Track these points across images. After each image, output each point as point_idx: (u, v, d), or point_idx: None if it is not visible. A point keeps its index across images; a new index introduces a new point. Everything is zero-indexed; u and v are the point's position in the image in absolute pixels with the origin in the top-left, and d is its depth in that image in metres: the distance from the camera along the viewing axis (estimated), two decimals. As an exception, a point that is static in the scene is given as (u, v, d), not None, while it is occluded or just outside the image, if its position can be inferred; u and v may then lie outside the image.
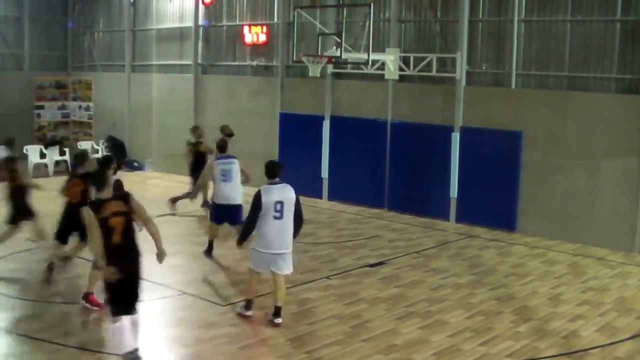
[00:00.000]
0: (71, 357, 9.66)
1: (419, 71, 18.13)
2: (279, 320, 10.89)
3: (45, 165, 24.94)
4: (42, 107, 27.79)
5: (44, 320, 10.96)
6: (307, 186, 17.92)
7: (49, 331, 10.46)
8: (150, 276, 12.95)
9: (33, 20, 27.77)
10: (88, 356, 9.68)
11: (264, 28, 22.27)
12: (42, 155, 25.45)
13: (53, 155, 25.68)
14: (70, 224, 12.52)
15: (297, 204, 10.95)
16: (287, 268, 11.04)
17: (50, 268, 12.86)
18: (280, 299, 11.03)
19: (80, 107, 28.31)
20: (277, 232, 10.78)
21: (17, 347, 10.07)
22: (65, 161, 25.76)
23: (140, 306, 11.53)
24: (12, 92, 26.56)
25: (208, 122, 23.60)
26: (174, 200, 18.36)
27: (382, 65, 17.93)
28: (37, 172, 24.40)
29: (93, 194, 10.15)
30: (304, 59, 17.76)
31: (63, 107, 28.31)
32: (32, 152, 25.24)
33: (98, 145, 26.83)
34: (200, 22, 24.09)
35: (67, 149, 26.18)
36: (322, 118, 20.61)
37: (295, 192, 10.91)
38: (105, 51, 27.80)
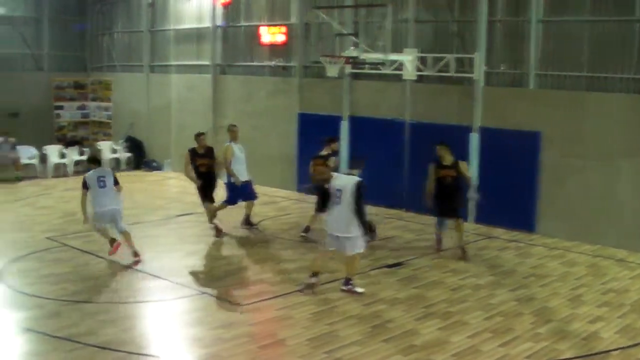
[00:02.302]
0: (92, 356, 9.71)
1: (436, 71, 18.11)
2: (347, 287, 12.32)
3: (65, 165, 25.06)
4: (61, 108, 27.94)
5: (65, 319, 11.04)
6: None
7: (70, 330, 10.54)
8: (169, 276, 13.09)
9: (52, 21, 27.95)
10: (108, 355, 9.73)
11: (282, 28, 22.30)
12: (62, 155, 25.58)
13: (73, 155, 25.81)
14: None
15: (353, 195, 11.80)
16: (349, 249, 12.11)
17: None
18: (346, 272, 12.47)
19: (99, 107, 28.44)
20: (335, 216, 12.04)
21: (38, 346, 10.16)
22: (84, 161, 25.95)
23: (160, 306, 11.68)
24: (32, 93, 26.73)
25: (226, 122, 23.68)
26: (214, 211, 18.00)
27: (400, 66, 17.92)
28: (56, 171, 24.58)
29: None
30: (321, 59, 17.77)
31: (82, 108, 28.45)
32: (52, 152, 25.38)
33: (117, 145, 26.96)
34: (218, 22, 24.14)
35: (86, 149, 26.35)
36: (340, 118, 20.62)
37: (359, 185, 11.81)
38: (124, 52, 27.91)
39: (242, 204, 16.86)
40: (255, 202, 17.05)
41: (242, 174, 16.76)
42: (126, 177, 22.71)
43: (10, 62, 26.79)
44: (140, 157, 26.31)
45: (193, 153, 16.45)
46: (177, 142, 24.95)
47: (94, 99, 28.60)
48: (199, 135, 16.65)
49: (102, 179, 14.34)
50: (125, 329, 10.74)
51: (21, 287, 12.67)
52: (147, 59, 26.87)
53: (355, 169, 12.64)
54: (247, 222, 17.16)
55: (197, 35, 25.00)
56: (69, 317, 11.16)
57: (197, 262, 14.32)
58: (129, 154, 26.67)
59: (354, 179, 11.97)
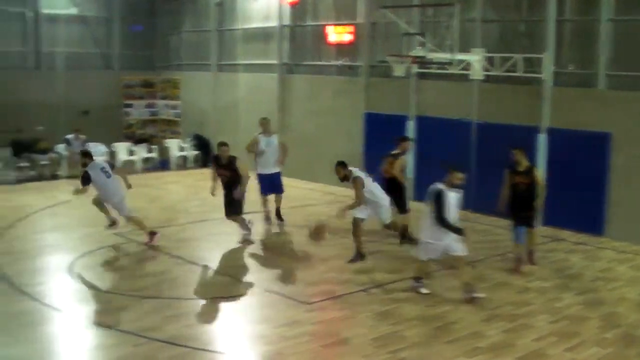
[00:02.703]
0: (156, 351, 9.85)
1: (504, 71, 17.92)
2: (471, 295, 12.00)
3: (133, 162, 25.43)
4: (130, 106, 28.34)
5: (131, 314, 11.22)
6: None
7: (135, 324, 10.72)
8: (235, 273, 13.20)
9: (122, 21, 28.40)
10: (173, 350, 9.86)
11: (349, 27, 22.31)
12: (130, 153, 25.99)
13: (141, 152, 26.20)
14: None
15: (432, 203, 11.89)
16: (458, 251, 12.12)
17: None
18: (461, 280, 12.31)
19: (167, 105, 28.79)
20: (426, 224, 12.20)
21: (105, 340, 10.35)
22: (152, 158, 26.34)
23: (225, 303, 11.80)
24: (102, 91, 27.16)
25: (292, 121, 23.83)
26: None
27: (467, 66, 17.78)
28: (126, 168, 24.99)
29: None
30: (388, 58, 17.74)
31: (151, 106, 28.82)
32: (121, 149, 25.80)
33: (185, 143, 27.28)
34: (284, 22, 24.23)
35: (154, 147, 26.73)
36: (406, 118, 20.55)
37: (435, 194, 11.83)
38: (192, 51, 28.21)
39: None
40: (311, 202, 17.02)
41: (267, 166, 17.32)
42: (193, 175, 23.04)
43: (81, 61, 27.30)
44: (207, 155, 26.56)
45: (216, 161, 15.85)
46: (244, 140, 25.10)
47: (162, 98, 28.95)
48: (220, 146, 15.87)
49: (105, 170, 15.06)
50: (190, 324, 10.87)
51: (90, 281, 12.93)
52: (214, 58, 27.12)
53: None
54: (278, 215, 17.53)
55: (264, 35, 25.15)
56: (135, 311, 11.34)
57: (262, 260, 14.41)
58: (196, 152, 26.95)
59: (433, 187, 11.86)
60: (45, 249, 15.19)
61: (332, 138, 22.25)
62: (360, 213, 14.02)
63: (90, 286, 12.65)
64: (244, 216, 15.74)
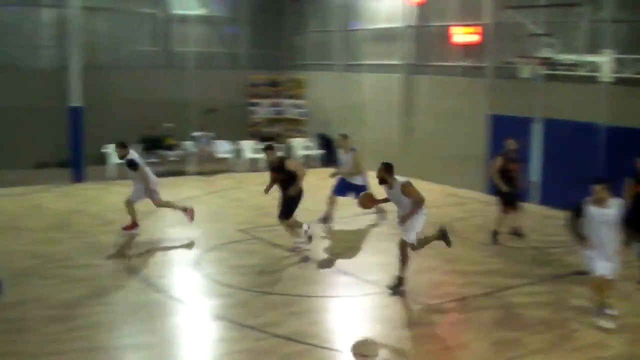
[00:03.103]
0: (277, 347, 10.03)
1: (635, 73, 17.39)
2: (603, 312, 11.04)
3: (258, 160, 25.85)
4: (256, 104, 28.80)
5: (253, 309, 11.44)
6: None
7: (257, 320, 10.93)
8: (356, 272, 13.28)
9: (248, 21, 28.90)
10: (294, 346, 10.01)
11: (474, 28, 22.10)
12: (256, 151, 26.43)
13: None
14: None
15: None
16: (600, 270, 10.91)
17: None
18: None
19: (292, 105, 29.11)
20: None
21: (228, 333, 10.61)
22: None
23: (346, 301, 11.89)
24: (228, 90, 27.67)
25: (416, 122, 23.76)
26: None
27: (596, 67, 17.35)
28: (250, 166, 25.44)
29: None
30: (514, 60, 17.49)
31: (276, 105, 29.20)
32: (246, 147, 26.28)
33: (309, 142, 27.56)
34: (411, 22, 24.17)
35: (280, 146, 27.11)
36: (532, 120, 20.19)
37: (576, 207, 11.07)
38: (318, 51, 28.47)
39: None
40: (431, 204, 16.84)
41: (349, 178, 17.31)
42: (316, 174, 23.17)
43: (209, 60, 27.95)
44: (331, 155, 26.73)
45: (269, 165, 15.38)
46: (369, 140, 25.21)
47: (288, 97, 29.29)
48: (265, 150, 15.42)
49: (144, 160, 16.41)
50: (311, 322, 11.01)
51: (214, 275, 13.26)
52: (340, 58, 27.31)
53: None
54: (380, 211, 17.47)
55: (388, 35, 25.16)
56: (257, 307, 11.55)
57: (383, 260, 14.43)
58: (320, 151, 27.18)
59: (580, 200, 11.08)
60: (172, 242, 15.66)
61: (455, 139, 22.09)
62: (411, 235, 12.44)
63: (214, 280, 12.97)
64: (305, 225, 15.22)
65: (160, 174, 23.21)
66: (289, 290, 12.43)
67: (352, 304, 12.11)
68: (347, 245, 15.73)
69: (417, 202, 12.26)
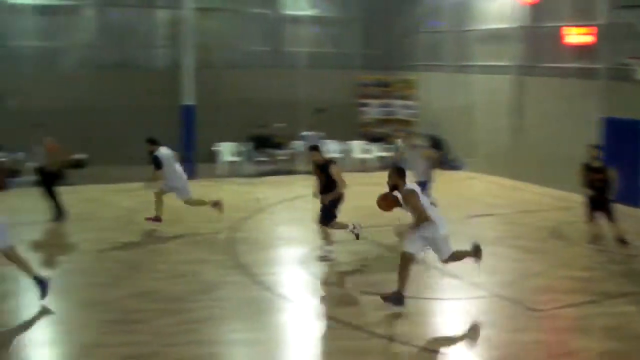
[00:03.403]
0: (382, 347, 10.07)
1: None
2: None
3: (366, 160, 25.91)
4: (366, 105, 28.83)
5: (357, 309, 11.49)
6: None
7: (363, 319, 10.98)
8: (464, 275, 13.18)
9: (358, 21, 29.01)
10: (399, 348, 10.01)
11: (588, 29, 21.59)
12: (365, 151, 26.51)
13: (376, 151, 26.66)
14: None
15: None
16: None
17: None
18: None
19: (402, 105, 29.01)
20: None
21: (333, 332, 10.71)
22: (387, 157, 26.72)
23: (453, 304, 11.82)
24: (338, 89, 27.79)
25: (527, 124, 23.39)
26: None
27: None
28: (359, 166, 25.51)
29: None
30: (629, 61, 17.02)
31: (386, 105, 29.15)
32: (355, 148, 26.37)
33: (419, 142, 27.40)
34: (522, 23, 23.80)
35: (390, 146, 27.08)
36: (647, 124, 19.62)
37: None
38: (428, 51, 28.34)
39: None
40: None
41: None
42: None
43: (320, 60, 28.16)
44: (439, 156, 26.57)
45: (313, 165, 14.77)
46: (480, 142, 24.97)
47: (398, 97, 29.21)
48: (309, 150, 14.98)
49: (173, 157, 16.72)
50: (418, 323, 10.99)
51: (320, 274, 13.37)
52: (451, 58, 27.13)
53: None
54: None
55: (500, 36, 24.85)
56: (362, 307, 11.60)
57: (492, 264, 14.27)
58: (429, 152, 27.02)
59: None
60: (281, 240, 15.87)
61: (565, 142, 21.60)
62: (412, 246, 11.53)
63: (321, 279, 13.08)
64: (350, 225, 14.83)
65: (269, 173, 23.64)
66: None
67: (458, 307, 12.03)
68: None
69: (417, 218, 11.27)
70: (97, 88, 24.09)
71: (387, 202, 11.70)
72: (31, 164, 18.39)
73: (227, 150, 24.70)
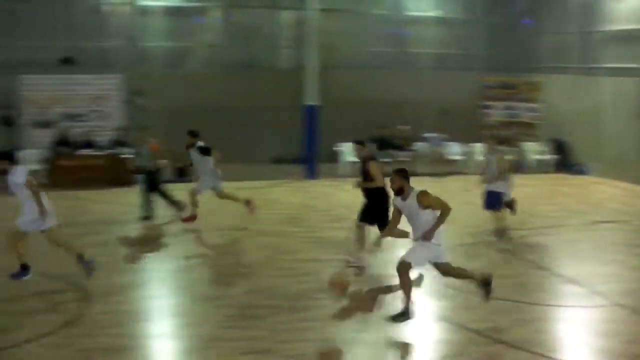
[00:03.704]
0: (501, 352, 9.92)
1: None
2: None
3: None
4: (489, 107, 28.43)
5: (477, 313, 11.31)
6: None
7: (483, 324, 10.83)
8: (585, 282, 12.82)
9: (483, 22, 28.68)
10: (519, 355, 9.83)
11: None
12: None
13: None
14: None
15: None
16: None
17: None
18: None
19: (527, 108, 28.46)
20: None
21: (452, 336, 10.59)
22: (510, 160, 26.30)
23: (573, 312, 11.52)
24: (461, 91, 27.52)
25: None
26: None
27: None
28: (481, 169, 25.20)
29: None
30: None
31: (510, 108, 28.67)
32: (477, 150, 26.01)
33: (543, 146, 26.89)
34: None
35: (514, 149, 26.63)
36: None
37: None
38: (554, 53, 27.72)
39: None
40: None
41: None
42: (550, 179, 22.70)
43: (444, 61, 27.97)
44: (565, 160, 25.99)
45: (360, 161, 14.23)
46: (606, 146, 24.25)
47: (522, 100, 28.68)
48: (355, 143, 14.34)
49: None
50: (537, 330, 10.75)
51: (440, 277, 13.22)
52: (577, 60, 26.45)
53: None
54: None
55: (629, 37, 24.07)
56: (483, 311, 11.40)
57: (614, 272, 13.85)
58: (554, 156, 26.45)
59: None
60: (399, 241, 15.77)
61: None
62: (416, 258, 10.82)
63: (441, 282, 12.94)
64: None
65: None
66: (516, 297, 12.20)
67: (579, 315, 11.70)
68: (576, 254, 15.20)
69: (442, 212, 10.53)
70: (222, 88, 24.67)
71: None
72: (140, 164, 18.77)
73: (349, 151, 24.75)
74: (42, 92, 23.80)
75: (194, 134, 16.93)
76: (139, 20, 25.30)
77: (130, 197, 18.62)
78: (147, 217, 17.42)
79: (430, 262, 10.94)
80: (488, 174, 15.99)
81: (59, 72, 24.14)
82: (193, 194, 16.74)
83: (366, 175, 13.61)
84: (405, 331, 10.70)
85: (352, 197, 16.82)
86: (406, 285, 10.71)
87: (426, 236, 10.59)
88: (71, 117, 23.69)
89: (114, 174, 21.61)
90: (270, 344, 9.94)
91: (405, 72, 27.10)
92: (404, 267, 10.61)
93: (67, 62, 24.34)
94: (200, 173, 16.83)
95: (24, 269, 12.26)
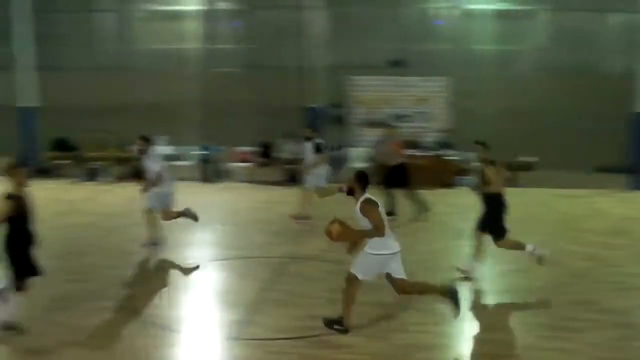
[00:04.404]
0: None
1: None
2: None
3: None
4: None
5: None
6: None
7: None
8: None
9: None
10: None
11: None
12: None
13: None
14: None
15: None
16: None
17: None
18: None
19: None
20: None
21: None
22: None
23: None
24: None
25: None
26: None
27: None
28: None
29: None
30: None
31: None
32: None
33: None
34: None
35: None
36: None
37: None
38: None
39: None
40: None
41: None
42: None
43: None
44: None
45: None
46: None
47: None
48: (476, 143, 13.31)
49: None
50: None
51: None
52: None
53: None
54: None
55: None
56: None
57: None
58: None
59: None
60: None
61: None
62: (363, 270, 10.22)
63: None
64: (530, 246, 13.13)
65: None
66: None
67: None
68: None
69: (374, 229, 9.97)
70: (548, 91, 24.38)
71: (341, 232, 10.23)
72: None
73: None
74: (371, 92, 24.93)
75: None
76: (468, 24, 25.68)
77: (455, 198, 19.00)
78: (420, 213, 17.98)
79: (380, 273, 10.35)
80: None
81: (387, 73, 25.17)
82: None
83: (481, 181, 13.01)
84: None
85: None
86: (347, 297, 10.34)
87: (349, 249, 10.54)
88: (398, 117, 24.55)
89: (438, 175, 22.17)
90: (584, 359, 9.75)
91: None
92: (349, 279, 10.29)
93: (397, 65, 25.31)
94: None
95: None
